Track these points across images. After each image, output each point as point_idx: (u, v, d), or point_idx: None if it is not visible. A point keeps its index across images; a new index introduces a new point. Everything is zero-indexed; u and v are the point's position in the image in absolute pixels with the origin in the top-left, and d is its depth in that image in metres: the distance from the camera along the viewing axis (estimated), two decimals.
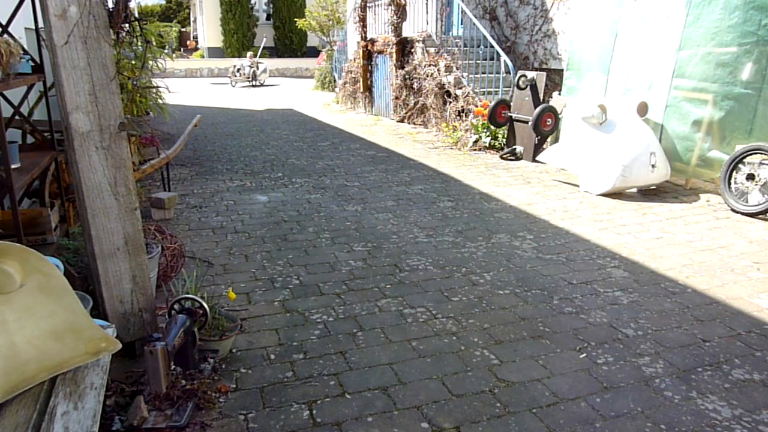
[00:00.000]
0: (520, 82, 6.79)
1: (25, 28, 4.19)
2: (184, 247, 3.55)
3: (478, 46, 8.45)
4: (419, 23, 9.44)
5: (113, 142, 2.20)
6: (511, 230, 4.28)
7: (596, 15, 6.11)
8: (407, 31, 9.49)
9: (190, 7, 29.61)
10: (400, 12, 9.26)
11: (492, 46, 7.96)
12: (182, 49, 25.64)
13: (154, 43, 6.48)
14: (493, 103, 6.97)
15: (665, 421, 2.13)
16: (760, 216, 4.59)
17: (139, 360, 2.44)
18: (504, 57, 7.81)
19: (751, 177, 4.70)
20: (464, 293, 3.22)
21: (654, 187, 5.44)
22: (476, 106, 7.66)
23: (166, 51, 7.54)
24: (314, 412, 2.17)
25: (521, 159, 6.83)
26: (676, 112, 5.38)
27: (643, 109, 5.42)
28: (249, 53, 18.51)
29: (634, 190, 5.37)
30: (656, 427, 2.10)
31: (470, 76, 8.35)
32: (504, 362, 2.52)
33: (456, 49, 8.81)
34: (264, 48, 19.93)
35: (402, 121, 9.62)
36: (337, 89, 13.10)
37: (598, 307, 3.06)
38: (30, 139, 3.62)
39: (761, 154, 4.63)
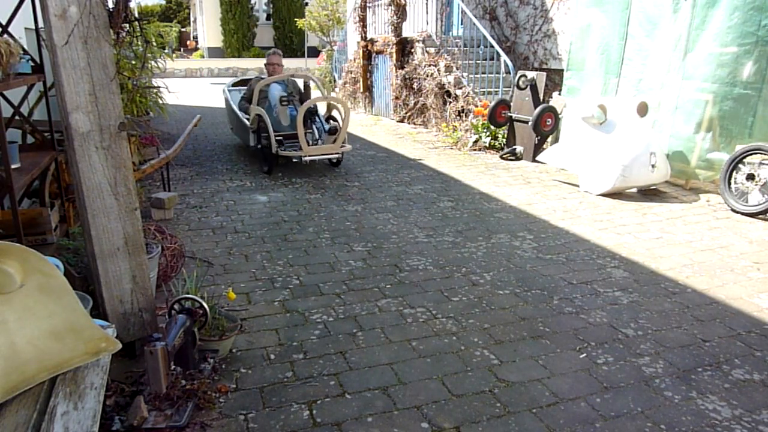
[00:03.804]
0: (520, 82, 6.79)
1: (25, 28, 4.19)
2: (184, 247, 3.55)
3: (478, 46, 8.45)
4: (419, 23, 9.44)
5: (113, 142, 2.20)
6: (511, 230, 4.28)
7: (602, 16, 6.11)
8: (407, 31, 9.49)
9: (190, 7, 29.61)
10: (400, 12, 9.26)
11: (492, 46, 7.96)
12: (182, 49, 25.65)
13: (154, 43, 6.49)
14: (493, 103, 6.97)
15: (665, 421, 2.13)
16: (760, 216, 4.59)
17: (139, 360, 2.44)
18: (504, 57, 7.81)
19: (751, 177, 4.70)
20: (464, 293, 3.22)
21: (654, 187, 5.44)
22: (476, 106, 7.65)
23: (166, 51, 7.54)
24: (314, 412, 2.17)
25: (521, 159, 6.83)
26: (681, 113, 5.39)
27: (643, 109, 5.42)
28: (272, 53, 6.68)
29: (634, 190, 5.37)
30: (656, 427, 2.10)
31: (470, 76, 8.34)
32: (504, 362, 2.52)
33: (456, 49, 8.81)
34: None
35: (402, 121, 9.62)
36: (337, 89, 13.10)
37: (598, 307, 3.06)
38: (30, 139, 3.62)
39: (761, 154, 4.63)
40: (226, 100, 7.39)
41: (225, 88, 7.69)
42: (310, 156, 5.75)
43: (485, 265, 3.61)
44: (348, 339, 2.72)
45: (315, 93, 7.29)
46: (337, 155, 6.03)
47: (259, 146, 6.21)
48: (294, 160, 6.07)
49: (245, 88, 7.30)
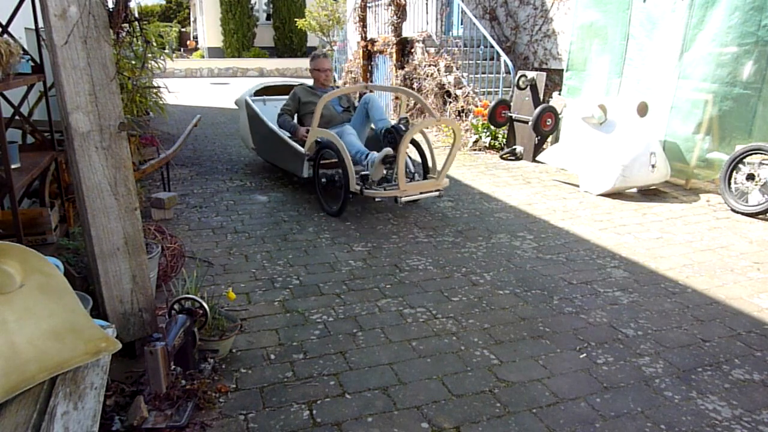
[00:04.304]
0: (520, 82, 6.79)
1: (25, 28, 4.19)
2: (184, 247, 3.55)
3: (478, 46, 8.45)
4: (419, 23, 9.44)
5: (113, 142, 2.20)
6: (511, 230, 4.28)
7: (603, 16, 6.11)
8: (407, 31, 9.50)
9: (190, 7, 29.62)
10: (400, 12, 9.27)
11: (492, 46, 7.97)
12: (182, 49, 25.65)
13: (154, 43, 6.49)
14: (493, 103, 6.97)
15: (665, 421, 2.13)
16: (760, 216, 4.59)
17: (139, 360, 2.44)
18: (504, 57, 7.81)
19: (751, 177, 4.70)
20: (464, 293, 3.22)
21: (654, 187, 5.44)
22: (476, 106, 7.66)
23: (166, 51, 7.54)
24: (314, 412, 2.17)
25: (521, 159, 6.83)
26: (679, 113, 5.39)
27: (643, 110, 5.42)
28: (319, 56, 5.32)
29: (634, 190, 5.37)
30: (656, 427, 2.10)
31: (470, 76, 8.35)
32: (504, 362, 2.52)
33: (456, 49, 8.81)
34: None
35: None
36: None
37: (598, 307, 3.06)
38: (30, 139, 3.62)
39: (761, 154, 4.63)
40: (252, 113, 5.73)
41: (246, 98, 5.94)
42: (407, 196, 4.31)
43: (485, 265, 3.61)
44: (348, 339, 2.72)
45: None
46: (438, 192, 4.53)
47: (324, 180, 4.69)
48: (377, 199, 4.54)
49: (276, 98, 6.05)
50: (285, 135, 5.20)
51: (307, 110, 5.11)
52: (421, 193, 4.45)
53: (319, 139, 4.64)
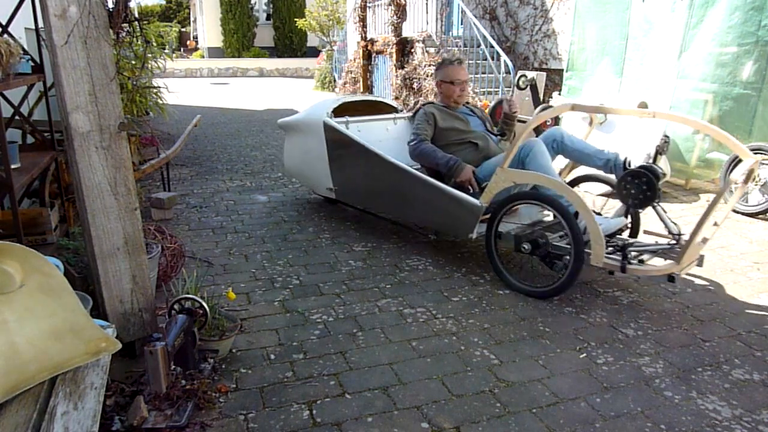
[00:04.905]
0: (520, 82, 6.79)
1: (25, 28, 4.19)
2: (184, 247, 3.55)
3: (478, 46, 8.46)
4: (419, 23, 9.44)
5: (113, 142, 2.20)
6: None
7: (603, 16, 6.11)
8: (407, 31, 9.50)
9: (190, 7, 29.63)
10: (400, 12, 9.27)
11: (492, 46, 7.97)
12: (182, 49, 25.66)
13: (154, 43, 6.49)
14: (493, 103, 6.95)
15: (665, 421, 2.13)
16: (760, 216, 4.59)
17: (139, 360, 2.44)
18: (504, 57, 7.81)
19: None
20: (464, 293, 3.22)
21: None
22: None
23: (166, 51, 7.55)
24: (314, 412, 2.17)
25: None
26: (679, 112, 5.39)
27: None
28: (454, 63, 3.84)
29: None
30: (656, 427, 2.10)
31: (470, 76, 8.35)
32: (504, 362, 2.52)
33: (456, 49, 8.81)
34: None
35: None
36: (337, 89, 13.11)
37: (598, 307, 3.06)
38: (30, 139, 3.62)
39: (761, 154, 4.63)
40: (343, 140, 4.04)
41: (324, 118, 4.13)
42: (686, 269, 2.98)
43: (485, 265, 3.61)
44: (348, 339, 2.72)
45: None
46: (700, 258, 3.05)
47: (527, 247, 3.16)
48: (616, 273, 3.05)
49: (361, 120, 4.40)
50: (422, 174, 3.63)
51: (448, 139, 3.68)
52: (697, 259, 3.04)
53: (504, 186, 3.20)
